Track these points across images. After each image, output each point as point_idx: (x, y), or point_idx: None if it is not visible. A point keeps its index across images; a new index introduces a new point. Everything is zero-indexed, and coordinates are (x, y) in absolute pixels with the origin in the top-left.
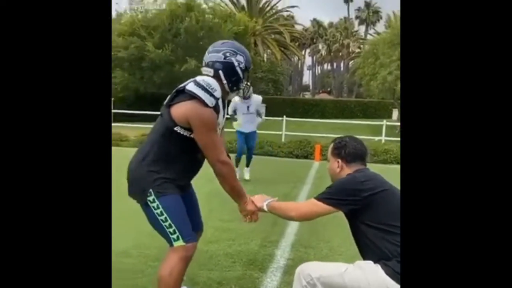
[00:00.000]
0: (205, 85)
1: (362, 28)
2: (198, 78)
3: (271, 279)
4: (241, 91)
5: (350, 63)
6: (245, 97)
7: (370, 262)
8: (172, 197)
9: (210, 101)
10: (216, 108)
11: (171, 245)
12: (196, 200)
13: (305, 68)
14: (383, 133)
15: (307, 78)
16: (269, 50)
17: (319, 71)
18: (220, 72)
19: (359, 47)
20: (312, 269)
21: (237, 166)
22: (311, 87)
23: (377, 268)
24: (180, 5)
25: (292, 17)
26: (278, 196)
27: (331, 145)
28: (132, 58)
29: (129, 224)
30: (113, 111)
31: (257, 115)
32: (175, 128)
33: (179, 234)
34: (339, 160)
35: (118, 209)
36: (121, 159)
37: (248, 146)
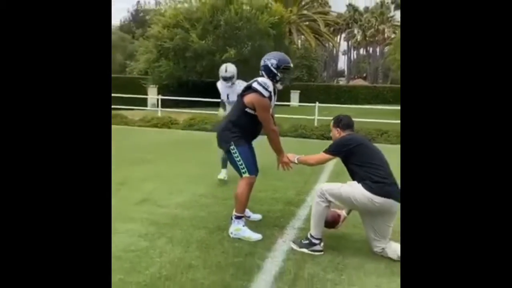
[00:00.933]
0: (263, 84)
1: (398, 13)
2: (259, 79)
3: (303, 212)
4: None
5: (385, 48)
6: (225, 79)
7: (355, 182)
8: (245, 146)
9: (266, 93)
10: (269, 97)
11: (241, 176)
12: (254, 150)
13: (340, 53)
14: None
15: (342, 64)
16: (302, 36)
17: (355, 56)
18: (263, 72)
19: (394, 32)
20: (323, 186)
21: (224, 166)
22: (346, 73)
23: (359, 185)
24: None
25: (327, 2)
26: (306, 168)
27: (332, 121)
28: (177, 49)
29: (202, 180)
30: (161, 97)
31: None
32: (246, 109)
33: (246, 169)
34: (338, 129)
35: (195, 172)
36: (177, 138)
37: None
